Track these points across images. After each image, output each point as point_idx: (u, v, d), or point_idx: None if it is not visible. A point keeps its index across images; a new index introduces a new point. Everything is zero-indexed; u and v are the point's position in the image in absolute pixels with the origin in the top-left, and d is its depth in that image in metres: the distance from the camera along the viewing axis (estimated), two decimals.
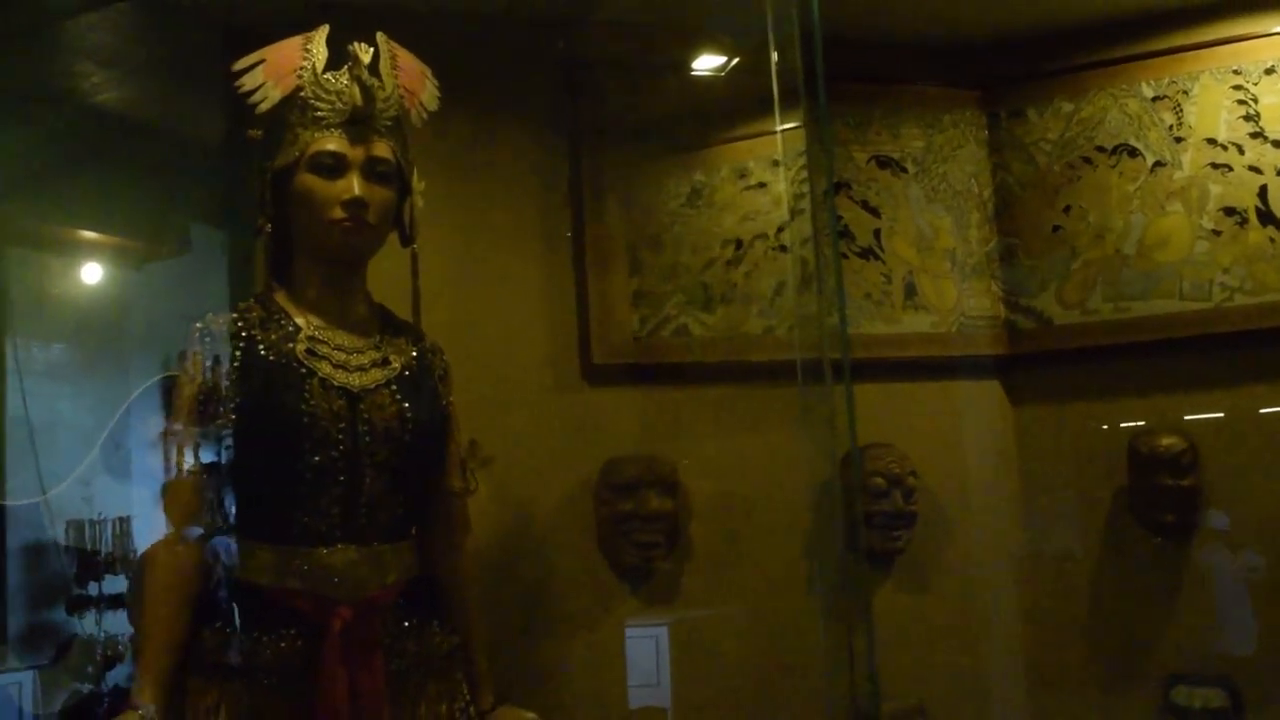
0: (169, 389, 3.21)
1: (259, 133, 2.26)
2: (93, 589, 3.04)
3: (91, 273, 3.27)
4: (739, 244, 3.53)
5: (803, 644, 3.23)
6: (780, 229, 3.57)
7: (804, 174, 3.50)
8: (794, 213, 3.54)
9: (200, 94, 3.26)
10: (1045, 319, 3.67)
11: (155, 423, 3.15)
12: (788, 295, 3.49)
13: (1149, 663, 3.53)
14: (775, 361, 3.37)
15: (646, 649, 3.29)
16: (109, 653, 3.00)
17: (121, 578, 3.06)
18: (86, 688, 2.95)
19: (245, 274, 3.20)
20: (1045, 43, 3.71)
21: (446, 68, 2.41)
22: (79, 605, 3.03)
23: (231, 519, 2.18)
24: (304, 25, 3.00)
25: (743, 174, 3.58)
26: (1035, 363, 3.70)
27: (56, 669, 2.96)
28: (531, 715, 2.35)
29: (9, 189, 3.02)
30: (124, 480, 3.09)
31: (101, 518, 3.05)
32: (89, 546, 3.04)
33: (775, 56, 2.91)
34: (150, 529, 3.08)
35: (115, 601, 3.06)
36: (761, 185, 3.58)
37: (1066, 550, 3.68)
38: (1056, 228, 3.67)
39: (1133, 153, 3.61)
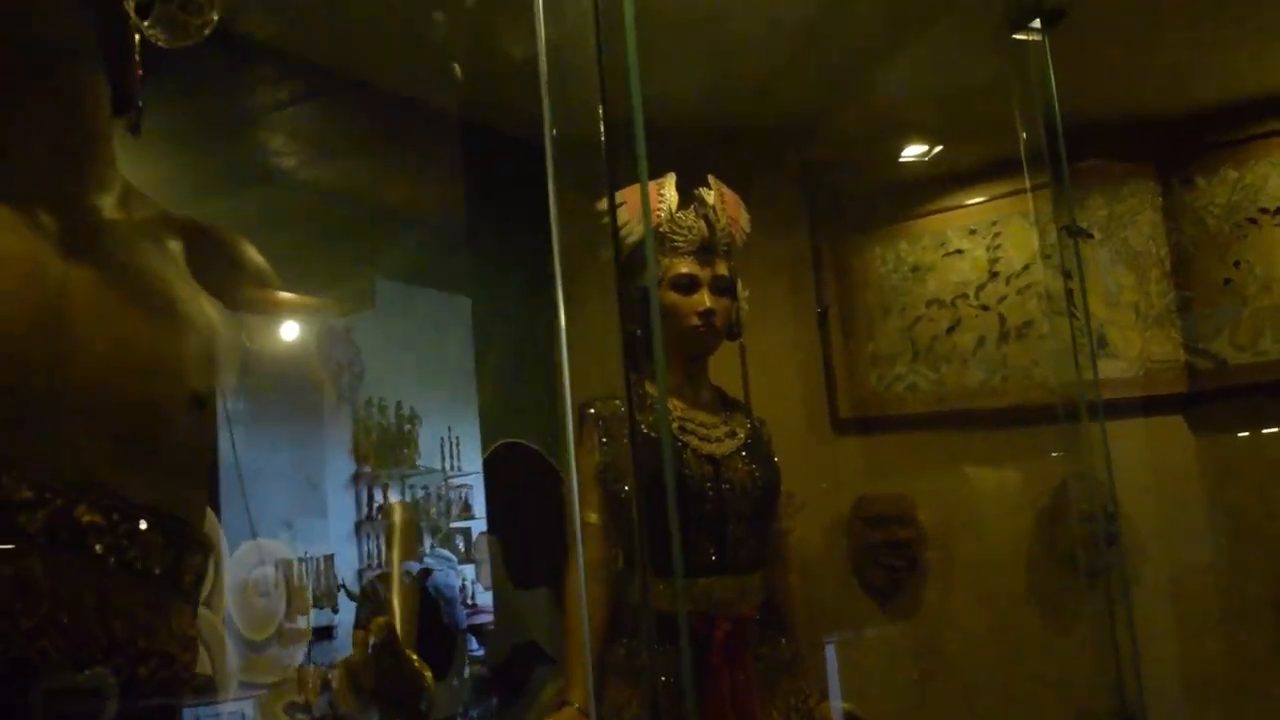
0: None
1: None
2: (301, 622, 3.23)
3: (290, 328, 3.64)
4: (949, 304, 4.01)
5: (1029, 652, 3.70)
6: (1002, 295, 4.02)
7: (998, 240, 4.03)
8: (992, 274, 4.06)
9: (394, 170, 3.75)
10: (1221, 360, 3.99)
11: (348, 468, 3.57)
12: (1007, 348, 3.93)
13: None
14: (992, 409, 3.86)
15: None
16: (319, 681, 3.11)
17: (327, 611, 3.31)
18: (300, 715, 3.09)
19: (424, 327, 3.68)
20: (1211, 119, 4.04)
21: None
22: (290, 638, 3.19)
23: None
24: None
25: (946, 243, 4.05)
26: (1213, 398, 4.02)
27: (273, 696, 3.07)
28: (849, 705, 2.86)
29: None
30: (322, 519, 3.42)
31: (308, 555, 3.27)
32: (296, 583, 3.23)
33: (1024, 135, 3.28)
34: (346, 564, 3.46)
35: (321, 634, 3.27)
36: (960, 252, 4.05)
37: (1247, 562, 3.97)
38: (1227, 281, 4.01)
39: None
